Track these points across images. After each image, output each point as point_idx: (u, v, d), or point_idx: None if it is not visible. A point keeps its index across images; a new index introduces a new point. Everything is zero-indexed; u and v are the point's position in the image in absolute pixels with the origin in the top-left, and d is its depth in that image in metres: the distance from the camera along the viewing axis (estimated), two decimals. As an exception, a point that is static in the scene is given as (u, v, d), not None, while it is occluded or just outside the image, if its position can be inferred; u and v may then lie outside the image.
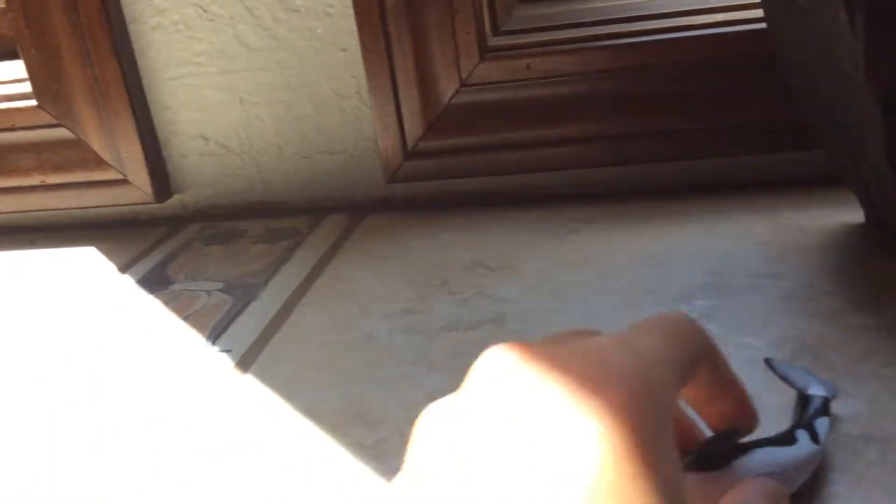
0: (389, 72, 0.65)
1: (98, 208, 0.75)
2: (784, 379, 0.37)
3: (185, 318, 0.55)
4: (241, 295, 0.57)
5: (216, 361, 0.48)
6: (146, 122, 0.71)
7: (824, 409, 0.35)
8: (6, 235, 0.75)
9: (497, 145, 0.66)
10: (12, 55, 0.74)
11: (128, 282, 0.62)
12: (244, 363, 0.48)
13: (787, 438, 0.32)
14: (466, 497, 0.19)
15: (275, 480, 0.37)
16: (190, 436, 0.41)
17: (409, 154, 0.67)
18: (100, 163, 0.71)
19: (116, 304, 0.58)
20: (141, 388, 0.46)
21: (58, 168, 0.73)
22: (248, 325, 0.53)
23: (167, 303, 0.58)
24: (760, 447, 0.31)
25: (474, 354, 0.39)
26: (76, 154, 0.72)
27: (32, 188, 0.74)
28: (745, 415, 0.28)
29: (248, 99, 0.70)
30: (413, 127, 0.66)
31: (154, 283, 0.61)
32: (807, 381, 0.37)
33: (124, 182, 0.72)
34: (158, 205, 0.74)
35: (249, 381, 0.46)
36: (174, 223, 0.74)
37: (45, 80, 0.70)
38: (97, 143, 0.71)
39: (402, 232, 0.64)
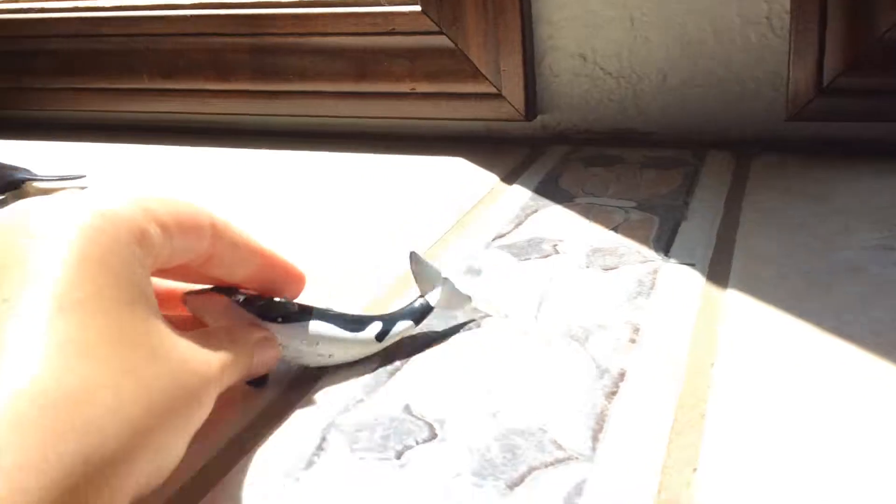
0: (820, -3, 0.60)
1: (459, 121, 0.74)
2: (414, 275, 0.40)
3: (615, 230, 0.52)
4: (665, 214, 0.54)
5: (683, 273, 0.46)
6: (529, 36, 0.69)
7: (413, 315, 0.38)
8: (370, 140, 0.76)
9: (929, 88, 0.60)
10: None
11: (521, 192, 0.61)
12: (715, 279, 0.45)
13: (355, 322, 0.37)
14: None
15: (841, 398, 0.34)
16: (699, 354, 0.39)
17: (824, 90, 0.62)
18: (475, 74, 0.70)
19: (530, 209, 0.57)
20: (616, 294, 0.44)
21: (430, 77, 0.72)
22: (694, 243, 0.49)
23: (581, 214, 0.55)
24: (319, 319, 0.35)
25: None
26: (452, 64, 0.71)
27: (401, 95, 0.74)
28: (286, 276, 0.35)
29: (640, 18, 0.67)
30: (834, 60, 0.61)
31: (553, 194, 0.60)
32: (432, 286, 0.39)
33: (497, 96, 0.71)
34: (518, 124, 0.73)
35: (735, 296, 0.43)
36: (534, 144, 0.73)
37: (432, -13, 0.70)
38: (476, 54, 0.70)
39: (811, 172, 0.60)
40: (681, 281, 0.45)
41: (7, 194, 0.66)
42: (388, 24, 0.73)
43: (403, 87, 0.73)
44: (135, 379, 0.24)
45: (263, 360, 0.34)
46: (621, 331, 0.40)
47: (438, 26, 0.71)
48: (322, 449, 0.32)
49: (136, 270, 0.26)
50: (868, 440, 0.31)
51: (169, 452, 0.26)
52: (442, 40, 0.71)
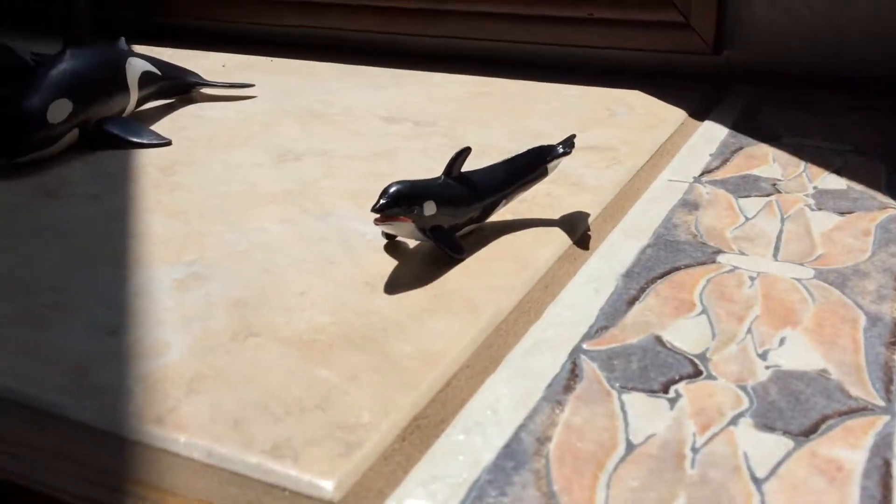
0: None
1: (636, 52, 0.70)
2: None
3: (837, 173, 0.48)
4: (889, 160, 0.50)
5: (932, 223, 0.41)
6: (729, -38, 0.64)
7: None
8: (538, 68, 0.72)
9: None
10: None
11: (717, 128, 0.57)
12: (971, 231, 0.40)
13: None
14: None
15: None
16: None
17: None
18: (663, 1, 0.66)
19: (733, 146, 0.53)
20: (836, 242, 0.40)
21: (612, 2, 0.68)
22: (931, 193, 0.45)
23: (794, 154, 0.51)
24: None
25: None
26: (638, -12, 0.66)
27: (577, 21, 0.70)
28: None
29: (856, -51, 0.61)
30: None
31: (755, 133, 0.55)
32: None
33: (684, 27, 0.66)
34: (702, 59, 0.68)
35: None
36: (717, 81, 0.68)
37: None
38: (667, -21, 0.65)
39: None
40: (933, 231, 0.40)
41: (177, 98, 0.65)
42: (570, -56, 0.68)
43: (580, 13, 0.69)
44: None
45: None
46: (882, 278, 0.36)
47: (627, -53, 0.66)
48: (577, 375, 0.30)
49: None
50: None
51: None
52: (629, -37, 0.66)
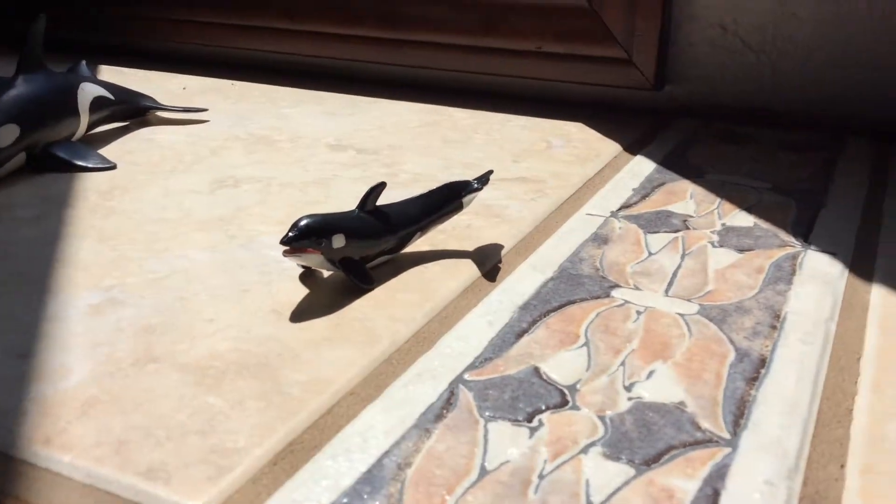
0: None
1: (582, 85, 0.72)
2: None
3: (749, 210, 0.50)
4: (803, 199, 0.52)
5: (825, 261, 0.43)
6: (669, 1, 0.67)
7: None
8: (491, 98, 0.75)
9: None
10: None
11: (646, 163, 0.59)
12: (860, 270, 0.42)
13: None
14: None
15: None
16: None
17: None
18: (606, 38, 0.68)
19: (656, 181, 0.55)
20: (742, 280, 0.42)
21: (559, 37, 0.70)
22: (836, 231, 0.47)
23: (712, 191, 0.53)
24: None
25: None
26: (583, 25, 0.69)
27: (524, 54, 0.72)
28: None
29: (788, -9, 0.63)
30: None
31: (681, 168, 0.57)
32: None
33: (626, 62, 0.68)
34: (644, 93, 0.70)
35: (881, 289, 0.40)
36: (658, 115, 0.70)
37: (569, -57, 0.68)
38: (611, 17, 0.67)
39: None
40: (823, 269, 0.42)
41: (131, 121, 0.67)
42: (519, -21, 0.71)
43: (528, 46, 0.72)
44: None
45: None
46: (761, 315, 0.38)
47: (572, -16, 0.68)
48: (451, 404, 0.32)
49: None
50: None
51: None
52: (576, 0, 0.69)
